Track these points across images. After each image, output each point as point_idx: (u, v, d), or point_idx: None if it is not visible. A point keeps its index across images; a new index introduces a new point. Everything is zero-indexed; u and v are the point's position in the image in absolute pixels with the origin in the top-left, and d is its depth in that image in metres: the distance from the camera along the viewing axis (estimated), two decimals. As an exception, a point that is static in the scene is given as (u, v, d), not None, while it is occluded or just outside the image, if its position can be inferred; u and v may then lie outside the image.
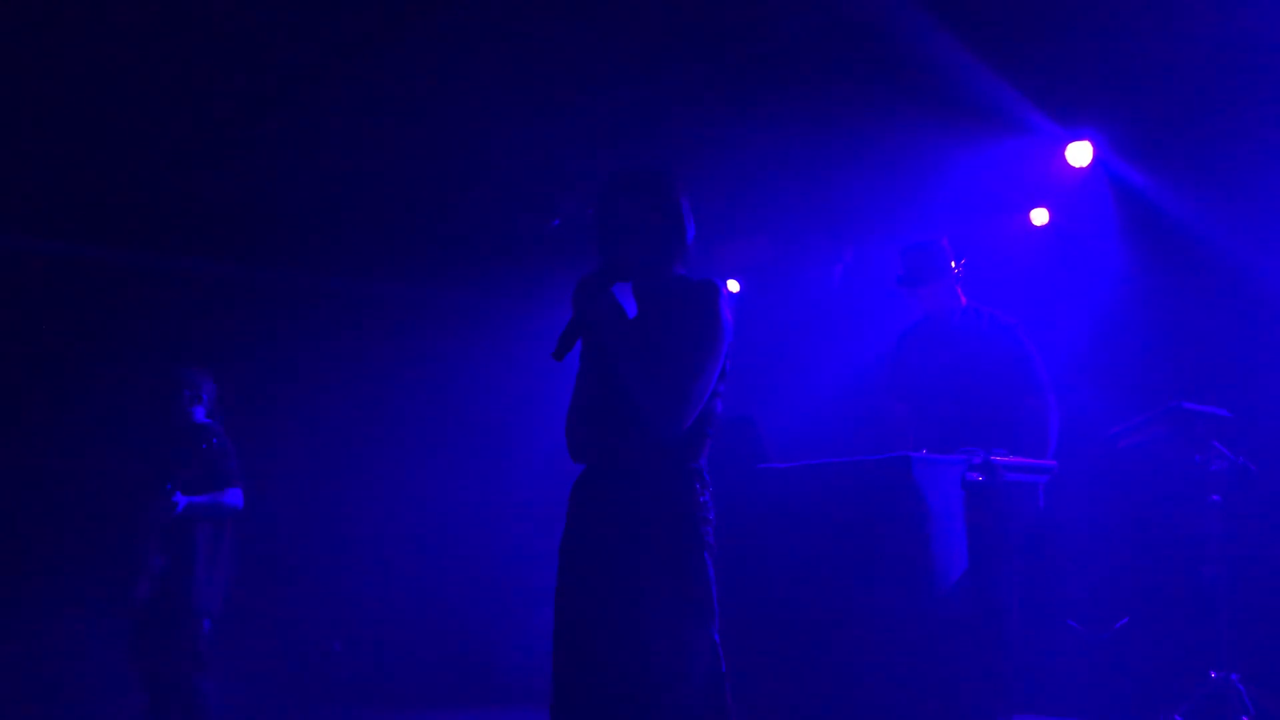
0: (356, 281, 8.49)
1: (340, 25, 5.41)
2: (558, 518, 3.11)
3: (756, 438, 4.74)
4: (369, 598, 7.98)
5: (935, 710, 3.96)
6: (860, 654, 4.04)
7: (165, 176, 6.91)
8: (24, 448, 6.91)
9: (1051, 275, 6.69)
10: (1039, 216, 6.81)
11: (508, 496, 8.05)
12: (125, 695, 5.51)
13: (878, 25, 5.43)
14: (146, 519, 5.29)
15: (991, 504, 4.27)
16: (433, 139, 6.68)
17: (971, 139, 6.26)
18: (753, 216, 7.61)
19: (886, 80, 5.91)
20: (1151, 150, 6.27)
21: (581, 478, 3.08)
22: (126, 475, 5.75)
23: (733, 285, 8.09)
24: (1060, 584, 6.24)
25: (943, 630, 3.99)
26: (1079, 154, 6.38)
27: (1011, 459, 4.40)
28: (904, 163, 6.69)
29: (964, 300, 5.02)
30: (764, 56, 5.89)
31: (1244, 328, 5.87)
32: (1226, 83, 5.66)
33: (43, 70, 5.73)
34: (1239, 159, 5.84)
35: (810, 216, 7.55)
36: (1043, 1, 5.38)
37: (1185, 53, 5.55)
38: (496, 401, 8.31)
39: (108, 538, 6.00)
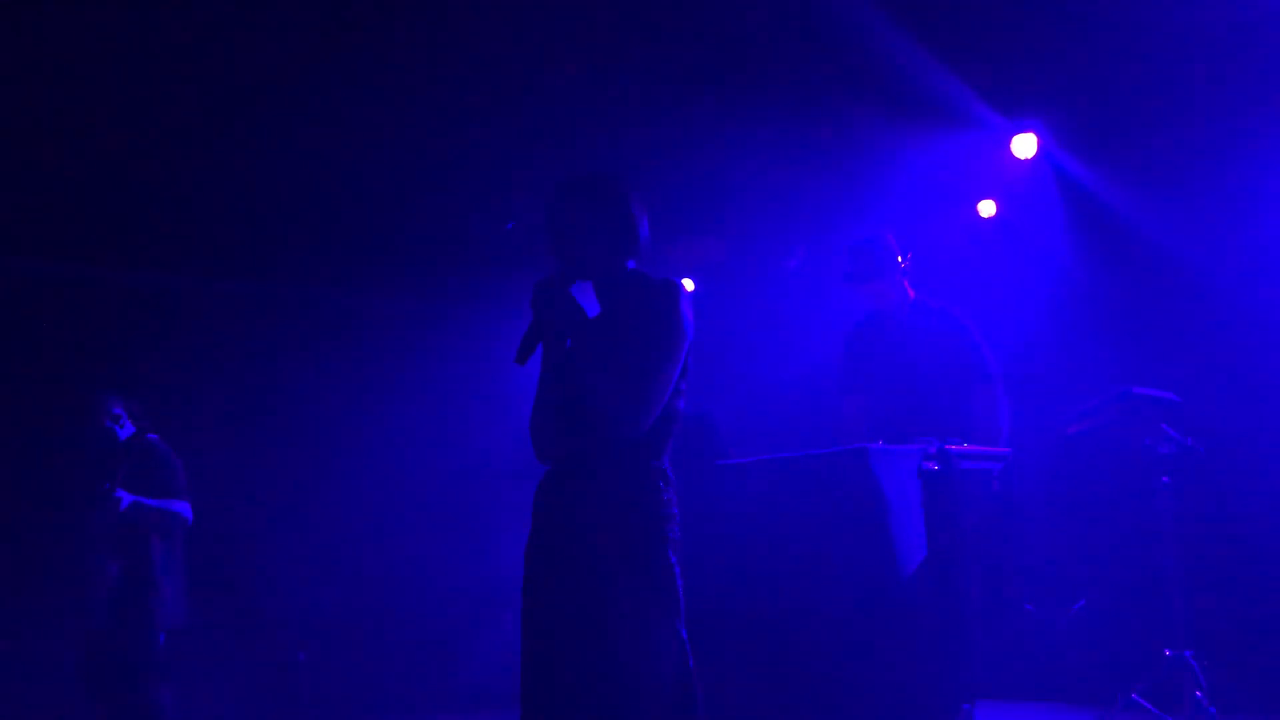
0: (316, 290, 8.43)
1: (294, 35, 5.39)
2: (523, 520, 3.13)
3: (715, 434, 4.78)
4: (333, 606, 7.94)
5: (898, 698, 4.01)
6: (823, 644, 4.08)
7: (123, 189, 6.82)
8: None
9: (999, 266, 6.78)
10: (986, 208, 6.90)
11: (472, 500, 8.03)
12: (81, 709, 5.45)
13: (826, 22, 5.48)
14: (95, 526, 5.26)
15: (948, 492, 4.32)
16: (388, 146, 6.65)
17: (919, 133, 6.34)
18: (706, 215, 7.65)
19: (835, 77, 5.97)
20: (1095, 142, 6.38)
21: (546, 478, 3.10)
22: (74, 490, 5.69)
23: (687, 284, 8.13)
24: (1017, 569, 6.34)
25: (904, 618, 4.04)
26: (1024, 146, 6.47)
27: (966, 447, 4.46)
28: (854, 158, 6.76)
29: (912, 294, 5.08)
30: (715, 56, 5.94)
31: (1187, 314, 5.99)
32: (1168, 75, 5.76)
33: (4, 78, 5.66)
34: (1179, 151, 5.97)
35: (762, 214, 7.60)
36: (986, -5, 5.46)
37: (1128, 45, 5.65)
38: (459, 406, 8.30)
39: (59, 552, 5.94)
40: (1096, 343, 6.24)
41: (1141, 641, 5.34)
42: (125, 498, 5.15)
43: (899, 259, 4.98)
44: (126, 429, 5.48)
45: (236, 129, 6.39)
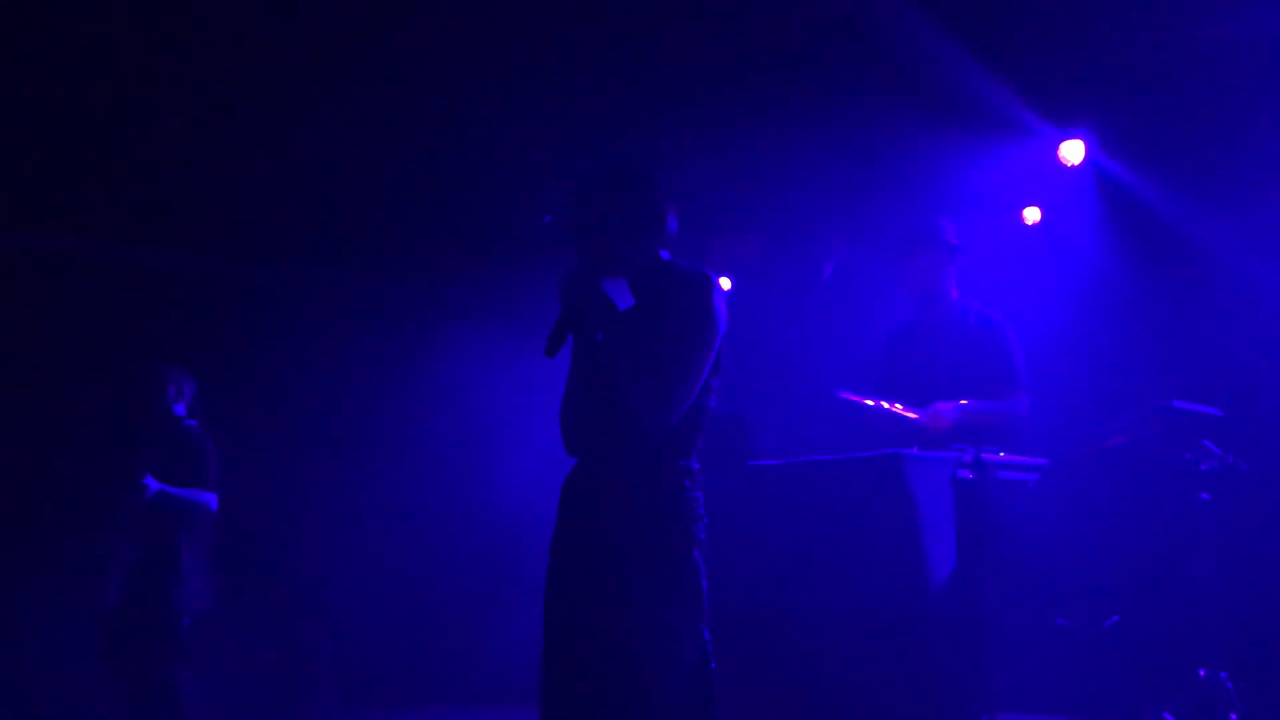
0: (343, 276, 8.46)
1: (326, 19, 5.39)
2: (548, 513, 3.10)
3: (746, 435, 4.73)
4: (355, 594, 7.96)
5: (919, 707, 3.96)
6: (846, 650, 4.04)
7: (149, 173, 6.86)
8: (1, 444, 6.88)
9: (1043, 274, 6.69)
10: (1031, 215, 6.82)
11: (497, 492, 8.02)
12: (106, 692, 5.48)
13: (871, 23, 5.43)
14: (121, 511, 5.27)
15: (980, 502, 4.27)
16: (419, 135, 6.66)
17: (964, 137, 6.26)
18: (744, 214, 7.61)
19: (880, 79, 5.91)
20: (1144, 149, 6.28)
21: (573, 472, 3.07)
22: (105, 470, 5.72)
23: (724, 283, 8.08)
24: (1049, 582, 6.25)
25: (928, 627, 3.99)
26: (1072, 152, 6.38)
27: (1002, 457, 4.40)
28: (896, 161, 6.69)
29: (956, 293, 5.00)
30: (756, 54, 5.89)
31: (1235, 326, 5.88)
32: (1220, 81, 5.67)
33: (28, 65, 5.69)
34: (1231, 158, 5.86)
35: (803, 215, 7.55)
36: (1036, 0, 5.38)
37: (1179, 50, 5.56)
38: (487, 397, 8.29)
39: (86, 533, 5.97)
40: (1139, 354, 6.14)
41: (1175, 661, 5.24)
42: (152, 485, 5.16)
43: (951, 243, 4.92)
44: (179, 409, 5.49)
45: (280, 117, 6.42)
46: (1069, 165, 6.42)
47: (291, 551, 7.68)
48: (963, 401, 4.57)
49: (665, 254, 3.13)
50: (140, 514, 5.23)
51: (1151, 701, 5.03)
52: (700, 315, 2.94)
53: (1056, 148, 6.42)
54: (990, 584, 4.32)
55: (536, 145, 6.73)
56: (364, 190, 7.36)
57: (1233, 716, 4.76)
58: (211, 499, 5.36)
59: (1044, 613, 6.28)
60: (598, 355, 2.99)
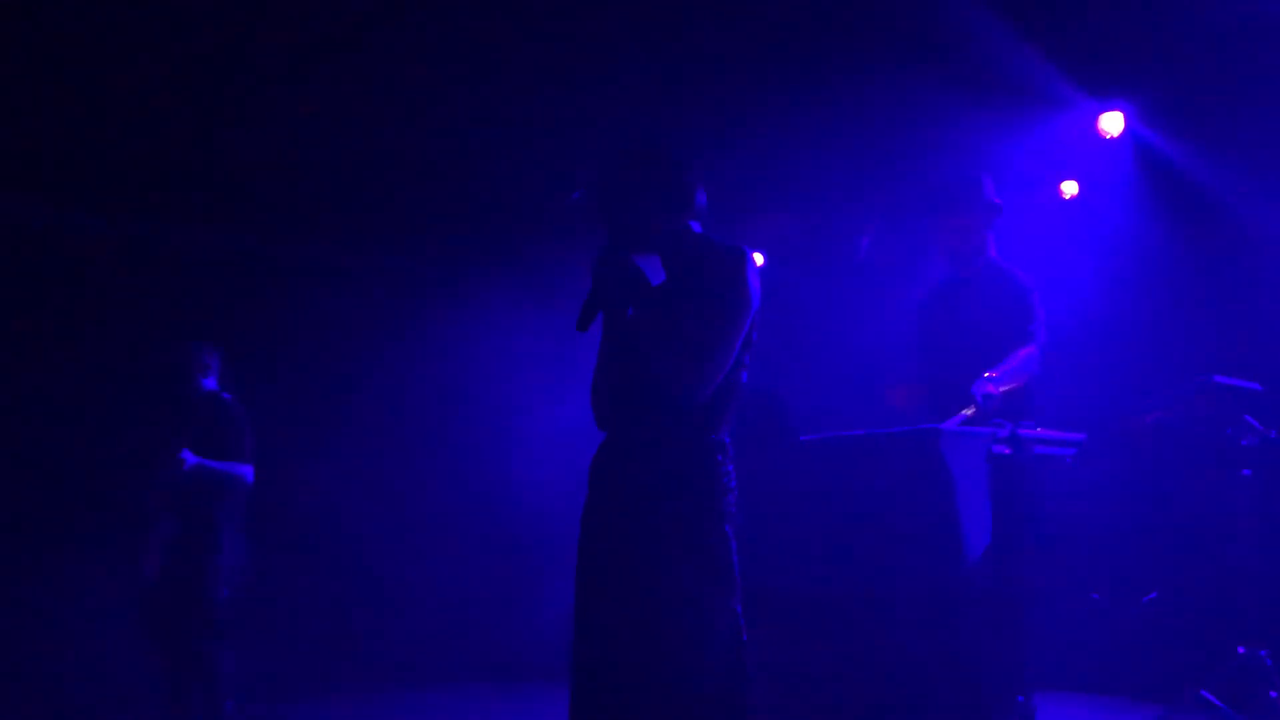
0: (381, 256, 8.49)
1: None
2: (580, 487, 3.10)
3: (782, 410, 4.71)
4: (391, 569, 8.01)
5: (955, 685, 3.94)
6: (882, 626, 4.02)
7: (180, 149, 6.90)
8: (35, 418, 6.95)
9: (1082, 248, 6.62)
10: (1069, 189, 6.75)
11: (531, 466, 8.04)
12: (143, 666, 5.54)
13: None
14: (158, 485, 5.31)
15: (1018, 477, 4.23)
16: (450, 114, 6.65)
17: (1001, 111, 6.19)
18: (778, 190, 7.56)
19: (915, 53, 5.85)
20: (1185, 120, 6.19)
21: (603, 446, 3.07)
22: (139, 443, 5.77)
23: (757, 258, 8.04)
24: (1087, 558, 6.21)
25: (965, 604, 3.97)
26: (1112, 123, 6.30)
27: (1039, 432, 4.36)
28: (932, 136, 6.63)
29: (993, 251, 4.93)
30: (789, 28, 5.84)
31: (1275, 300, 5.81)
32: (1262, 51, 5.57)
33: (51, 42, 5.72)
34: (1274, 129, 5.76)
35: (836, 191, 7.50)
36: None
37: (1220, 19, 5.46)
38: (521, 373, 8.31)
39: (122, 507, 6.03)
40: (1179, 328, 6.07)
41: (1214, 638, 5.20)
42: (189, 459, 5.20)
43: (992, 201, 4.86)
44: (210, 383, 5.53)
45: (308, 97, 6.43)
46: (1108, 137, 6.34)
47: (328, 525, 7.72)
48: (988, 374, 4.48)
49: (697, 227, 3.11)
50: (177, 488, 5.27)
51: (1190, 679, 4.99)
52: (733, 289, 2.93)
53: (1095, 120, 6.33)
54: (1027, 560, 4.29)
55: (566, 124, 6.71)
56: (396, 170, 7.36)
57: (1273, 694, 4.71)
58: (248, 471, 5.39)
59: (1081, 589, 6.25)
60: (629, 330, 2.98)
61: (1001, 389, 4.48)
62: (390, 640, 7.94)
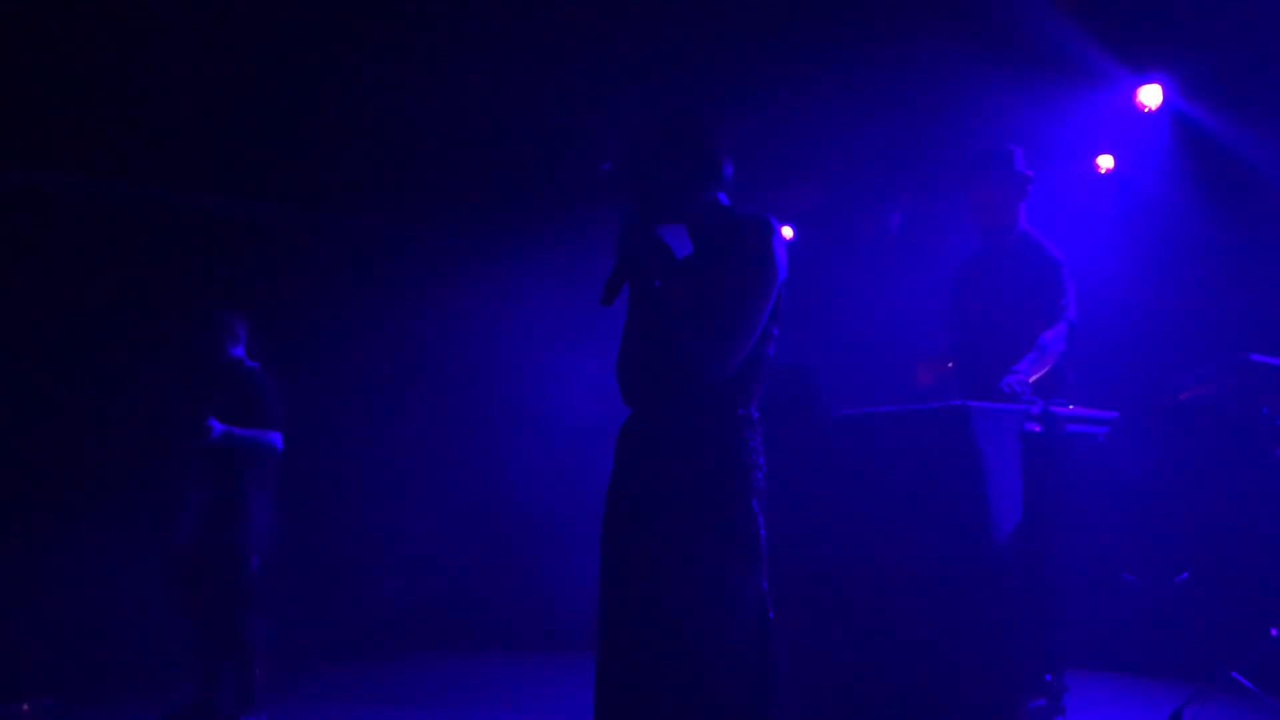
0: (406, 226, 8.49)
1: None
2: (607, 460, 3.08)
3: (813, 385, 4.67)
4: (419, 537, 8.04)
5: (984, 664, 3.91)
6: (911, 604, 3.99)
7: (207, 118, 6.90)
8: (65, 388, 6.99)
9: (1118, 222, 6.54)
10: (1105, 163, 6.66)
11: (558, 437, 8.05)
12: (174, 634, 5.58)
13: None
14: (188, 453, 5.33)
15: (1049, 455, 4.18)
16: (476, 82, 6.62)
17: (1037, 83, 6.11)
18: (810, 163, 7.50)
19: (950, 24, 5.77)
20: (1224, 92, 6.09)
21: (629, 420, 3.04)
22: (168, 411, 5.79)
23: (787, 232, 8.00)
24: (1119, 537, 6.15)
25: (994, 582, 3.92)
26: (1150, 96, 6.21)
27: (1071, 410, 4.30)
28: (966, 108, 6.55)
29: (1023, 222, 4.88)
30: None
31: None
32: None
33: (89, 12, 5.72)
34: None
35: (867, 164, 7.43)
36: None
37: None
38: (549, 343, 8.30)
39: (151, 475, 6.06)
40: (1215, 305, 5.98)
41: (1246, 619, 5.13)
42: (217, 427, 5.21)
43: (1022, 172, 4.81)
44: (238, 350, 5.55)
45: (344, 66, 6.41)
46: (1146, 110, 6.25)
47: (355, 494, 7.76)
48: (1015, 369, 4.45)
49: (724, 199, 3.07)
50: (207, 456, 5.29)
51: (1221, 660, 4.93)
52: (759, 261, 2.89)
53: (1133, 93, 6.24)
54: (1057, 539, 4.24)
55: (594, 94, 6.67)
56: (425, 138, 7.34)
57: (1306, 677, 4.65)
58: (276, 438, 5.41)
59: (1112, 569, 6.19)
60: (655, 303, 2.94)
61: (1031, 379, 4.44)
62: (418, 607, 7.98)
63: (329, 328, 7.75)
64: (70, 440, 6.95)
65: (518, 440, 8.20)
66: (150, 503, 5.96)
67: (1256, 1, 5.46)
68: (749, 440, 2.91)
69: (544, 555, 7.99)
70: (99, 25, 5.84)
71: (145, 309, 7.11)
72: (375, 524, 7.90)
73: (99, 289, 7.19)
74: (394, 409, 8.14)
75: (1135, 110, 6.30)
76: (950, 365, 4.95)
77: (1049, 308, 4.70)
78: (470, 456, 8.33)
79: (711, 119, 3.09)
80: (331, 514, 7.55)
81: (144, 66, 6.31)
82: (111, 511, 6.63)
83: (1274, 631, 4.82)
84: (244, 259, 7.54)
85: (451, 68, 6.43)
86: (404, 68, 6.44)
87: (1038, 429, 4.18)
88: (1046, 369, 4.56)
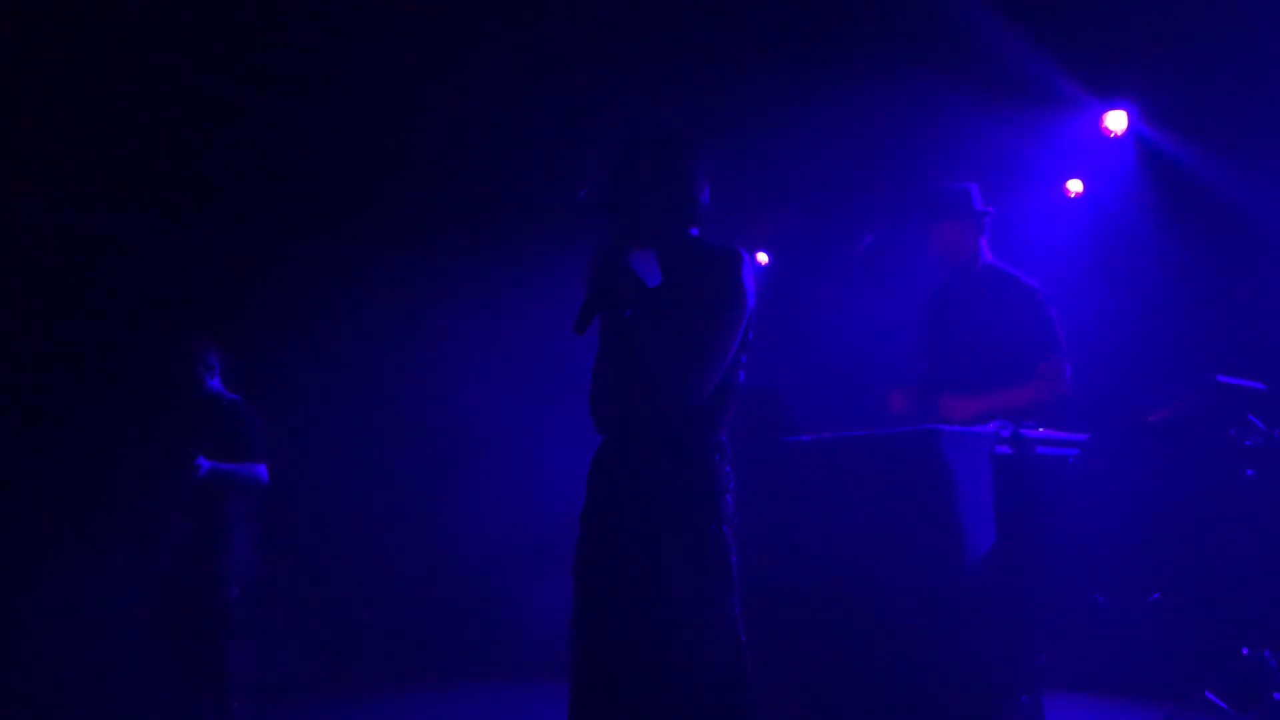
0: (384, 254, 8.49)
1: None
2: (579, 488, 3.09)
3: (783, 410, 4.70)
4: (396, 568, 8.01)
5: (959, 685, 3.93)
6: (884, 627, 4.01)
7: (184, 147, 6.89)
8: (46, 418, 6.96)
9: (1086, 246, 6.61)
10: (1074, 186, 6.74)
11: (531, 467, 8.05)
12: (152, 664, 5.54)
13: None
14: (170, 488, 5.31)
15: (1020, 477, 4.21)
16: (455, 107, 6.64)
17: (1007, 109, 6.19)
18: (782, 188, 7.55)
19: (921, 50, 5.84)
20: (1188, 118, 6.18)
21: (601, 448, 3.06)
22: (150, 445, 5.77)
23: (761, 257, 8.04)
24: (1089, 558, 6.19)
25: (967, 604, 3.95)
26: (1115, 121, 6.30)
27: (1041, 432, 4.34)
28: (937, 134, 6.62)
29: (986, 256, 4.95)
30: (794, 24, 5.83)
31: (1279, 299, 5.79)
32: (1263, 48, 5.55)
33: (57, 42, 5.73)
34: (1273, 127, 5.74)
35: (840, 189, 7.48)
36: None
37: (1222, 17, 5.45)
38: (524, 372, 8.32)
39: (132, 507, 6.03)
40: (1183, 327, 6.05)
41: (1218, 638, 5.18)
42: (204, 464, 5.19)
43: (979, 210, 4.88)
44: (214, 382, 5.52)
45: (310, 91, 6.43)
46: (1112, 135, 6.34)
47: (334, 526, 7.73)
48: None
49: (694, 230, 3.10)
50: (193, 492, 5.27)
51: (1193, 679, 4.97)
52: (729, 290, 2.92)
53: (1099, 118, 6.33)
54: (1030, 561, 4.27)
55: (570, 119, 6.70)
56: (395, 165, 7.34)
57: (1276, 695, 4.69)
58: (262, 470, 5.39)
59: (1085, 590, 6.23)
60: (627, 332, 2.97)
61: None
62: (396, 637, 7.95)
63: (301, 358, 7.72)
64: (47, 470, 6.91)
65: (492, 469, 8.20)
66: (131, 534, 5.92)
67: (1216, 32, 5.55)
68: (720, 466, 2.93)
69: (518, 584, 7.99)
70: (62, 51, 5.85)
71: (123, 340, 7.07)
72: (351, 555, 7.87)
73: (72, 318, 7.16)
74: (368, 439, 8.12)
75: (1103, 136, 6.39)
76: (922, 394, 4.98)
77: (1032, 336, 4.75)
78: (444, 485, 8.31)
79: (693, 145, 3.11)
80: (307, 544, 7.51)
81: (106, 92, 6.30)
82: (91, 542, 6.59)
83: (1245, 650, 4.86)
84: (218, 287, 7.52)
85: (420, 92, 6.45)
86: (375, 94, 6.45)
87: (1008, 451, 4.22)
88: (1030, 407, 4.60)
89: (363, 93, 6.46)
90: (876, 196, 7.49)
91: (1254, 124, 5.82)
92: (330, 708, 6.89)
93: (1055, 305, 4.84)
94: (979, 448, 4.18)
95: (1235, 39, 5.55)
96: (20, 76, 6.04)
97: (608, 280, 2.93)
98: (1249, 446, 4.99)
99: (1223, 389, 4.93)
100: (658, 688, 2.79)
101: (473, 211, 7.98)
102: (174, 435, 5.38)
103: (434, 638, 8.04)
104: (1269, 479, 5.03)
